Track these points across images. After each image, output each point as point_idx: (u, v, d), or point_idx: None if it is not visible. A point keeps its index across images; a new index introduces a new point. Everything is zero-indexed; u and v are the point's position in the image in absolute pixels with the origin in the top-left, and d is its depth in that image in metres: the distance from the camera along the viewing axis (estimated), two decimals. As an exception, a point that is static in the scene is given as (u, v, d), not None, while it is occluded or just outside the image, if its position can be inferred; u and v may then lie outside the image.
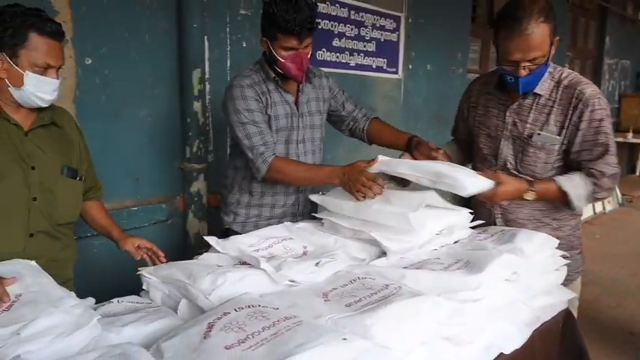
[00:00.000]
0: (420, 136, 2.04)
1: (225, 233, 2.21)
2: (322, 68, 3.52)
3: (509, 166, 1.92)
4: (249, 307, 1.18)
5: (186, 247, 2.95)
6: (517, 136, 1.89)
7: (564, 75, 1.83)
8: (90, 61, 2.50)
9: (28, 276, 1.38)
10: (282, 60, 2.00)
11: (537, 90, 1.82)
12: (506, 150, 1.92)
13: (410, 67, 4.39)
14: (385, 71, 4.15)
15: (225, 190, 2.31)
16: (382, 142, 2.33)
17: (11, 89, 1.57)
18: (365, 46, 3.91)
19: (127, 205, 2.71)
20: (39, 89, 1.58)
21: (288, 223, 2.00)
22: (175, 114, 2.86)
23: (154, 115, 2.77)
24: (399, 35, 4.21)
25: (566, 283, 1.89)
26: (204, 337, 1.06)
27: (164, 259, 1.83)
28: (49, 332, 1.12)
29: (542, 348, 1.56)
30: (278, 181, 2.12)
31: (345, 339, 1.00)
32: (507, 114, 1.90)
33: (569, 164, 1.86)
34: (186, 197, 2.93)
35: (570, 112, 1.78)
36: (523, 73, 1.72)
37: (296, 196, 2.23)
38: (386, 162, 1.83)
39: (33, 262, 1.48)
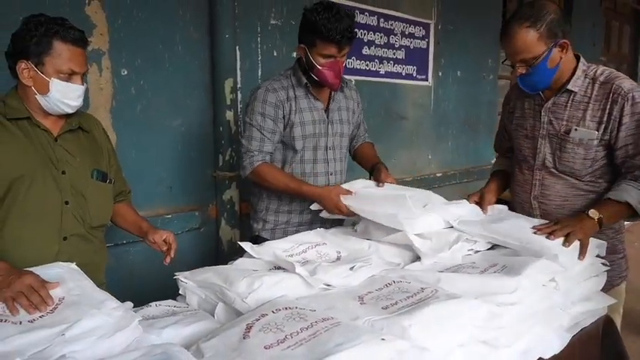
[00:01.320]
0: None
1: (254, 241, 2.24)
2: (352, 77, 3.57)
3: (547, 164, 1.93)
4: (286, 308, 1.19)
5: (219, 255, 2.98)
6: (554, 134, 1.90)
7: (599, 71, 1.84)
8: (126, 72, 2.57)
9: (70, 279, 1.41)
10: (320, 67, 2.04)
11: (570, 87, 1.84)
12: (544, 149, 1.93)
13: (440, 74, 4.37)
14: (415, 78, 4.14)
15: (254, 197, 2.34)
16: (359, 162, 2.45)
17: (38, 97, 1.61)
18: (394, 54, 3.92)
19: (160, 213, 2.76)
20: (64, 95, 1.61)
21: (321, 229, 2.01)
22: (208, 123, 2.91)
23: (187, 125, 2.83)
24: (428, 42, 4.20)
25: (610, 288, 1.85)
26: (244, 338, 1.08)
27: (166, 261, 1.85)
28: (92, 333, 1.14)
29: (582, 354, 1.53)
30: (257, 184, 2.20)
31: (383, 339, 1.00)
32: (542, 113, 1.92)
33: (614, 164, 1.84)
34: (218, 205, 2.97)
35: (609, 106, 1.78)
36: (518, 72, 1.82)
37: None
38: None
39: (73, 265, 1.51)
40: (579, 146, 1.84)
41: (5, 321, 1.19)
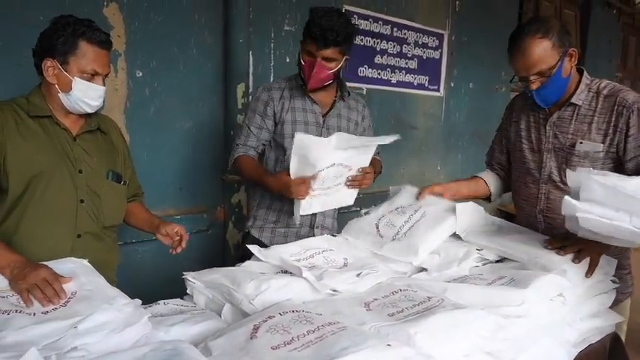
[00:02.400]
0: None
1: (246, 237, 2.25)
2: (364, 85, 3.60)
3: (554, 178, 1.93)
4: (293, 311, 1.20)
5: (226, 257, 3.00)
6: (559, 148, 1.91)
7: (603, 85, 1.86)
8: (140, 74, 2.61)
9: (82, 275, 1.43)
10: (303, 63, 2.08)
11: (574, 100, 1.86)
12: (550, 162, 1.94)
13: (452, 85, 4.39)
14: (427, 89, 4.16)
15: (250, 194, 2.38)
16: None
17: (60, 95, 1.65)
18: (407, 64, 3.94)
19: (170, 214, 2.78)
20: (85, 95, 1.65)
21: (328, 235, 2.02)
22: (219, 126, 2.94)
23: (198, 127, 2.86)
24: (441, 53, 4.22)
25: (614, 304, 1.84)
26: (251, 338, 1.09)
27: (177, 250, 1.86)
28: (103, 327, 1.17)
29: (588, 371, 1.53)
30: (238, 173, 2.30)
31: (389, 345, 1.01)
32: (547, 127, 1.93)
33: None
34: (226, 208, 2.99)
35: (614, 119, 1.80)
36: (533, 86, 1.80)
37: None
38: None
39: (85, 262, 1.53)
40: (585, 159, 1.85)
41: (20, 312, 1.22)
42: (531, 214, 2.00)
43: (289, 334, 1.08)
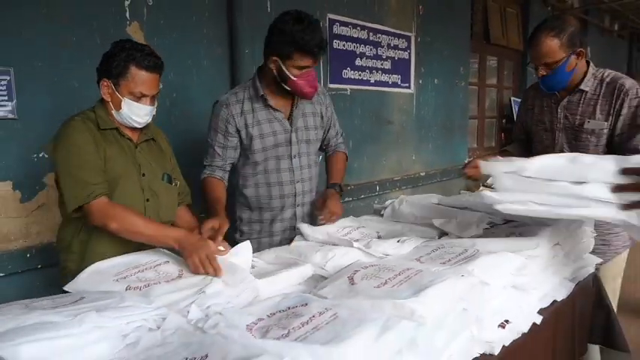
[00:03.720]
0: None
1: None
2: (347, 86, 3.94)
3: (565, 152, 2.27)
4: (371, 266, 1.51)
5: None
6: (569, 127, 2.30)
7: (606, 74, 2.24)
8: (161, 86, 2.83)
9: (172, 259, 1.71)
10: (294, 78, 2.06)
11: (582, 87, 2.23)
12: (561, 139, 2.33)
13: (420, 81, 4.78)
14: (399, 86, 4.53)
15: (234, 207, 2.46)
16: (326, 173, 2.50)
17: (113, 111, 1.92)
18: (382, 64, 4.30)
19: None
20: (133, 113, 1.90)
21: (351, 216, 2.34)
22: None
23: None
24: (410, 53, 4.61)
25: (613, 256, 2.22)
26: (352, 284, 1.38)
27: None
28: (223, 292, 1.44)
29: (580, 301, 1.92)
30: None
31: (463, 275, 1.35)
32: (559, 110, 2.31)
33: (614, 148, 2.20)
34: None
35: (614, 101, 2.18)
36: (541, 73, 2.18)
37: (292, 210, 2.33)
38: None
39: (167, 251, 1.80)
40: (592, 135, 2.23)
41: (149, 286, 1.48)
42: None
43: (381, 278, 1.38)
